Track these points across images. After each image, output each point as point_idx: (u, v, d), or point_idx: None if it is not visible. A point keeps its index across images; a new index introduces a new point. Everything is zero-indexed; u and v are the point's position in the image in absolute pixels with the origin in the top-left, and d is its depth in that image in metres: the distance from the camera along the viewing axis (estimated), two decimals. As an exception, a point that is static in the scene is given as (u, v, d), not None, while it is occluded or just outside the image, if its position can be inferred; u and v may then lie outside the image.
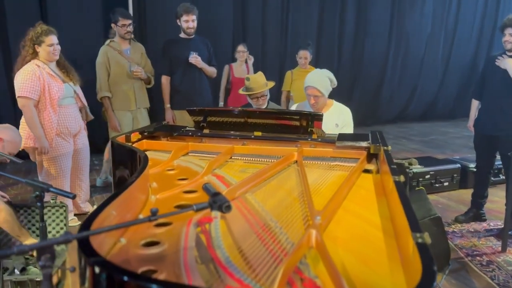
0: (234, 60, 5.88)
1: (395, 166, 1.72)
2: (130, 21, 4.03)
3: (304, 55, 4.70)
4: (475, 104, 3.60)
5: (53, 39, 3.16)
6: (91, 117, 3.61)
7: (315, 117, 2.47)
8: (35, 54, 3.16)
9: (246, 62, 4.90)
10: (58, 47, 3.23)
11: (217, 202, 1.14)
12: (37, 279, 2.34)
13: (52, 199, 2.50)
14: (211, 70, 4.19)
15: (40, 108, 3.17)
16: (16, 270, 2.38)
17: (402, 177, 1.56)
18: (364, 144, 2.24)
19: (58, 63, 3.31)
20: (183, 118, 4.01)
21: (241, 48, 4.70)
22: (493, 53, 3.52)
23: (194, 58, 3.98)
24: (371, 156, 2.26)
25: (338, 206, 1.61)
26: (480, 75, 3.55)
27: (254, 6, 6.89)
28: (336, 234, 1.40)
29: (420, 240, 1.05)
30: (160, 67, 4.18)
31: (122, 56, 4.00)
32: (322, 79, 2.94)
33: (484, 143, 3.46)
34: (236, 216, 1.50)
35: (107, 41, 4.04)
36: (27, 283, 2.34)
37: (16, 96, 3.11)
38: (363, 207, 1.66)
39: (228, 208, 1.12)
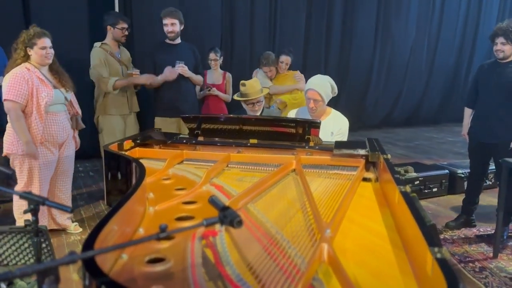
0: (221, 65, 5.84)
1: (398, 176, 1.70)
2: (128, 25, 3.98)
3: (286, 60, 4.72)
4: (468, 112, 3.62)
5: (46, 42, 3.02)
6: (82, 126, 3.42)
7: (312, 125, 2.44)
8: (26, 57, 3.02)
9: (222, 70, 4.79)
10: (51, 51, 3.08)
11: (228, 217, 1.09)
12: (25, 294, 2.24)
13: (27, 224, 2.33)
14: (198, 79, 4.09)
15: (26, 113, 3.01)
16: (2, 284, 2.28)
17: (408, 187, 1.53)
18: (362, 152, 2.22)
19: (51, 68, 3.16)
20: (166, 125, 3.93)
21: (212, 56, 4.60)
22: (485, 62, 3.56)
23: (181, 68, 3.87)
24: (369, 164, 2.25)
25: (343, 217, 1.58)
26: (471, 83, 3.59)
27: (242, 12, 6.86)
28: (344, 246, 1.37)
29: (439, 255, 1.02)
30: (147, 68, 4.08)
31: (114, 59, 3.92)
32: (324, 84, 2.91)
33: (479, 151, 3.49)
34: (241, 229, 1.45)
35: (98, 44, 3.94)
36: (14, 298, 2.24)
37: (3, 99, 2.96)
38: (367, 217, 1.64)
39: (240, 223, 1.08)
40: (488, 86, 3.36)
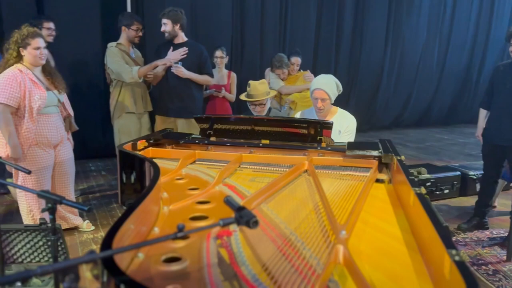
0: (231, 66, 5.84)
1: (413, 177, 1.69)
2: (142, 26, 4.02)
3: (297, 62, 4.74)
4: (483, 114, 3.58)
5: (39, 42, 2.93)
6: (76, 127, 3.35)
7: (324, 125, 2.44)
8: (19, 58, 2.93)
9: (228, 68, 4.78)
10: (45, 51, 3.01)
11: (244, 217, 1.09)
12: (39, 291, 2.27)
13: (42, 222, 2.37)
14: (203, 79, 4.00)
15: (19, 116, 2.92)
16: (17, 282, 2.31)
17: (423, 189, 1.52)
18: (375, 153, 2.21)
19: (44, 69, 3.08)
20: (165, 125, 3.95)
21: (219, 53, 4.60)
22: (501, 62, 3.52)
23: (176, 69, 3.84)
24: (381, 165, 2.24)
25: (357, 218, 1.57)
26: (488, 84, 3.55)
27: (252, 13, 6.87)
28: (359, 248, 1.36)
29: (457, 258, 1.02)
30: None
31: (130, 59, 3.95)
32: (329, 83, 2.93)
33: (493, 153, 3.45)
34: (256, 229, 1.46)
35: (114, 44, 3.97)
36: (29, 295, 2.27)
37: None
38: (381, 219, 1.63)
39: (256, 224, 1.08)
40: (503, 87, 3.32)
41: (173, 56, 3.85)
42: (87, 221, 3.54)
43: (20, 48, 2.92)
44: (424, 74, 8.80)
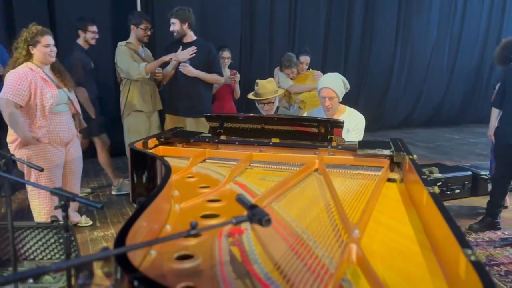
0: (240, 65, 5.83)
1: (425, 176, 1.67)
2: (151, 25, 4.04)
3: (306, 61, 4.72)
4: (495, 113, 3.55)
5: (49, 39, 2.94)
6: (84, 124, 3.41)
7: (335, 124, 2.43)
8: (28, 56, 2.94)
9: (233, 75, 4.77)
10: (55, 49, 3.01)
11: (256, 215, 1.08)
12: (51, 288, 2.29)
13: (53, 219, 2.38)
14: (212, 78, 3.99)
15: (30, 115, 2.93)
16: (29, 279, 2.33)
17: (436, 188, 1.51)
18: (386, 152, 2.20)
19: (53, 67, 3.08)
20: (174, 123, 3.95)
21: (226, 54, 4.62)
22: None
23: (183, 67, 3.85)
24: (393, 165, 2.22)
25: (369, 217, 1.56)
26: (500, 83, 3.51)
27: (262, 12, 6.87)
28: (371, 248, 1.35)
29: (473, 258, 1.01)
30: (161, 66, 4.11)
31: (139, 57, 3.97)
32: (336, 81, 2.92)
33: (506, 152, 3.42)
34: (267, 228, 1.45)
35: (123, 42, 3.99)
36: (40, 291, 2.29)
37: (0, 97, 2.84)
38: (394, 218, 1.62)
39: (268, 222, 1.07)
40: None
41: (182, 55, 3.86)
42: (84, 216, 3.58)
43: (30, 46, 2.92)
44: (434, 73, 8.73)
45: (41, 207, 3.11)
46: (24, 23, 5.15)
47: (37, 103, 2.91)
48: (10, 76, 2.86)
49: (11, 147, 2.98)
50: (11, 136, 2.97)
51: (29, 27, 2.95)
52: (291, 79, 4.68)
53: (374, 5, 7.84)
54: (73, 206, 3.46)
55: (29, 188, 3.13)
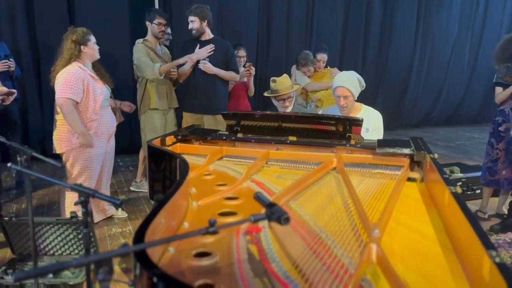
0: (256, 63, 5.80)
1: (447, 176, 1.64)
2: (165, 21, 4.04)
3: (323, 58, 4.69)
4: None
5: (94, 37, 3.24)
6: (122, 118, 3.63)
7: (354, 122, 2.40)
8: (78, 55, 3.17)
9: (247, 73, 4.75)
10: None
11: (275, 213, 1.08)
12: (70, 283, 2.32)
13: (72, 215, 2.46)
14: (229, 75, 4.03)
15: (82, 110, 3.16)
16: (49, 273, 2.37)
17: (459, 187, 1.48)
18: (407, 151, 2.16)
19: (94, 65, 3.31)
20: (192, 121, 3.97)
21: (242, 53, 4.61)
22: None
23: (203, 65, 3.88)
24: (413, 164, 2.18)
25: (389, 217, 1.54)
26: None
27: (279, 9, 6.84)
28: (391, 248, 1.33)
29: (498, 260, 0.98)
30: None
31: (156, 55, 4.00)
32: (351, 79, 2.88)
33: None
34: (285, 226, 1.44)
35: (141, 40, 4.02)
36: (60, 286, 2.33)
37: (57, 96, 3.07)
38: (414, 218, 1.59)
39: (287, 220, 1.06)
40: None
41: (201, 53, 3.88)
42: (119, 208, 3.65)
43: (82, 46, 3.16)
44: (454, 71, 8.57)
45: (71, 201, 3.26)
46: (45, 25, 5.30)
47: (90, 99, 3.15)
48: (64, 76, 3.06)
49: (61, 142, 3.18)
50: (61, 132, 3.19)
51: (73, 29, 3.20)
52: (308, 77, 4.65)
53: (393, 1, 7.73)
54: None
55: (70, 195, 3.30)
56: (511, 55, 3.41)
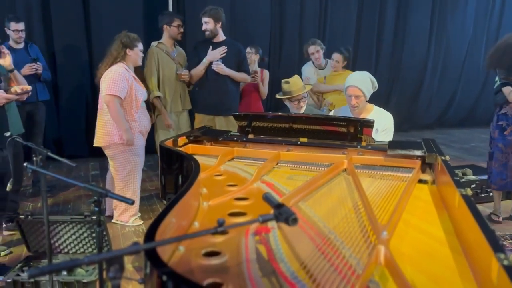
0: (269, 63, 5.79)
1: (458, 178, 1.63)
2: (182, 22, 4.11)
3: (337, 58, 4.67)
4: None
5: (142, 45, 3.49)
6: (154, 120, 3.89)
7: (365, 124, 2.39)
8: (123, 57, 3.37)
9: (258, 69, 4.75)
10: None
11: (283, 214, 1.09)
12: (84, 281, 2.37)
13: (86, 214, 2.52)
14: (241, 76, 4.08)
15: (125, 108, 3.37)
16: (63, 271, 2.42)
17: (469, 190, 1.47)
18: (418, 152, 2.15)
19: (135, 70, 3.54)
20: (204, 122, 3.99)
21: (249, 50, 4.63)
22: None
23: (216, 65, 3.91)
24: (425, 166, 2.17)
25: (399, 219, 1.54)
26: None
27: (291, 10, 6.83)
28: (400, 250, 1.33)
29: (506, 262, 0.97)
30: (189, 65, 4.16)
31: (170, 58, 4.04)
32: (364, 79, 2.87)
33: None
34: (294, 227, 1.45)
35: (155, 43, 4.07)
36: (74, 284, 2.37)
37: (105, 94, 3.27)
38: (424, 220, 1.59)
39: (295, 221, 1.07)
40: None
41: (213, 55, 3.92)
42: (133, 217, 3.65)
43: (127, 49, 3.37)
44: (470, 71, 8.44)
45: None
46: (61, 27, 5.40)
47: (132, 98, 3.37)
48: (111, 74, 3.28)
49: (103, 136, 3.39)
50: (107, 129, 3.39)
51: (126, 33, 3.42)
52: (317, 60, 4.66)
53: (407, 0, 7.65)
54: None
55: (119, 185, 3.50)
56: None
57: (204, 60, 3.93)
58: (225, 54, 3.93)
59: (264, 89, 4.63)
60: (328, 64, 4.82)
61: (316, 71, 4.76)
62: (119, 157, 3.45)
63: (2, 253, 3.07)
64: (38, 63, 4.11)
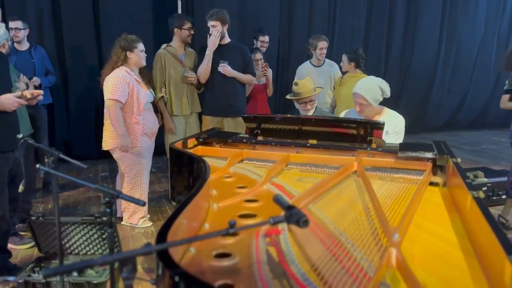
0: (277, 64, 5.78)
1: (470, 180, 1.62)
2: (192, 25, 4.12)
3: (343, 59, 4.65)
4: None
5: (142, 45, 3.44)
6: (161, 121, 3.88)
7: (375, 126, 2.38)
8: (125, 60, 3.37)
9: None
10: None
11: (294, 216, 1.08)
12: (94, 282, 2.38)
13: (97, 215, 2.55)
14: (247, 78, 4.08)
15: (127, 111, 3.38)
16: (74, 272, 2.43)
17: (481, 192, 1.46)
18: (429, 155, 2.13)
19: (141, 71, 3.53)
20: (212, 124, 3.99)
21: (258, 56, 4.64)
22: None
23: (222, 67, 3.91)
24: (436, 168, 2.16)
25: (410, 221, 1.53)
26: None
27: (300, 12, 6.82)
28: (412, 252, 1.32)
29: (520, 266, 0.97)
30: (196, 68, 4.16)
31: (177, 61, 4.04)
32: (371, 88, 2.82)
33: None
34: (305, 229, 1.45)
35: (164, 45, 4.08)
36: (85, 285, 2.39)
37: (106, 98, 3.30)
38: (436, 223, 1.57)
39: (306, 223, 1.07)
40: None
41: (212, 43, 3.90)
42: (143, 219, 3.68)
43: (127, 52, 3.36)
44: (481, 72, 8.35)
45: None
46: (71, 30, 5.45)
47: (134, 101, 3.37)
48: (111, 79, 3.29)
49: (110, 140, 3.42)
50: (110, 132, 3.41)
51: (124, 36, 3.40)
52: (321, 56, 4.69)
53: (417, 1, 7.61)
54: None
55: (127, 187, 3.54)
56: None
57: (207, 52, 3.92)
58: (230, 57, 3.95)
59: (271, 85, 4.68)
60: (326, 62, 4.85)
61: (316, 71, 4.75)
62: (125, 159, 3.47)
63: (28, 246, 3.23)
64: (32, 79, 4.06)
